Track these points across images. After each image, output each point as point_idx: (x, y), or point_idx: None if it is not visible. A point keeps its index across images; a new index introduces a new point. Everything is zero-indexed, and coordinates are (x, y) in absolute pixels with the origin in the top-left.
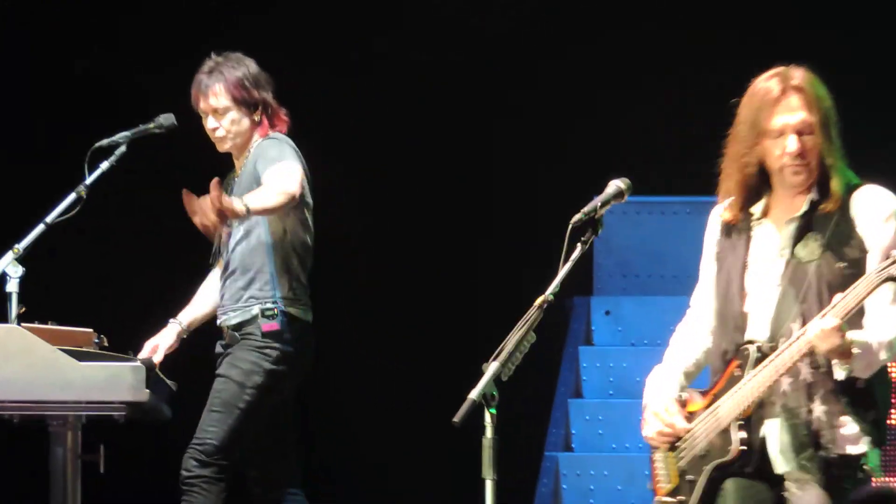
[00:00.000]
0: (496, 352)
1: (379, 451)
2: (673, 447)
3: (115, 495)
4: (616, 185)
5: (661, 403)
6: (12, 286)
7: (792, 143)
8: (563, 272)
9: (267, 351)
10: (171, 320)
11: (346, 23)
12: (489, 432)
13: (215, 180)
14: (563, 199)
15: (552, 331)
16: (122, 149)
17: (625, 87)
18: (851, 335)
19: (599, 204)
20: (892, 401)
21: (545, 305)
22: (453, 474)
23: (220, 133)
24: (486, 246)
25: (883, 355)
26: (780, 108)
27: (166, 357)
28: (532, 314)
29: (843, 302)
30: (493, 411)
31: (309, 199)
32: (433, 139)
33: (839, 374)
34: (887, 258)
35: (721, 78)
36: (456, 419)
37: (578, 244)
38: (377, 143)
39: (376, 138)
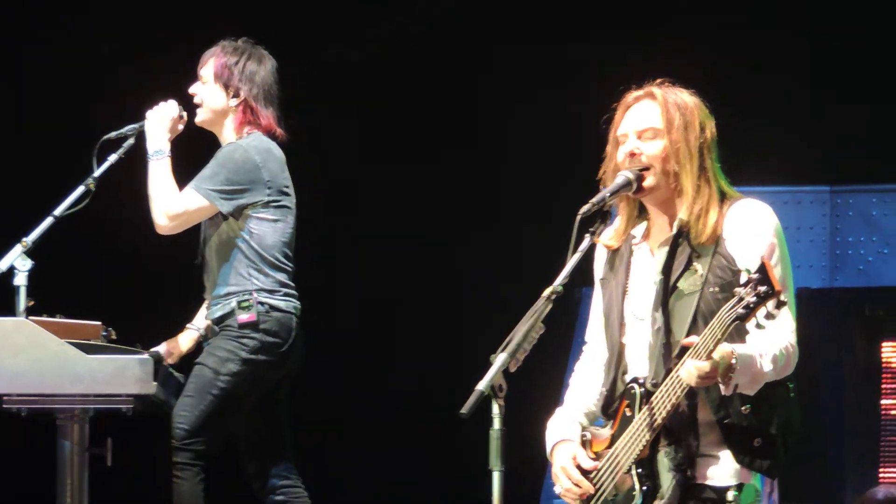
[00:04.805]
0: (504, 343)
1: (384, 441)
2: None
3: (122, 488)
4: (625, 175)
5: (567, 455)
6: (20, 279)
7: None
8: (571, 263)
9: (244, 340)
10: (189, 325)
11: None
12: (497, 423)
13: None
14: (573, 189)
15: (561, 321)
16: (131, 141)
17: (640, 70)
18: (733, 347)
19: (608, 194)
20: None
21: (553, 296)
22: (461, 466)
23: (196, 99)
24: (495, 235)
25: (766, 367)
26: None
27: None
28: (540, 305)
29: (703, 343)
30: (501, 403)
31: (279, 199)
32: (438, 128)
33: (725, 391)
34: (734, 297)
35: (737, 63)
36: (464, 411)
37: (587, 235)
38: (379, 137)
39: (378, 132)
